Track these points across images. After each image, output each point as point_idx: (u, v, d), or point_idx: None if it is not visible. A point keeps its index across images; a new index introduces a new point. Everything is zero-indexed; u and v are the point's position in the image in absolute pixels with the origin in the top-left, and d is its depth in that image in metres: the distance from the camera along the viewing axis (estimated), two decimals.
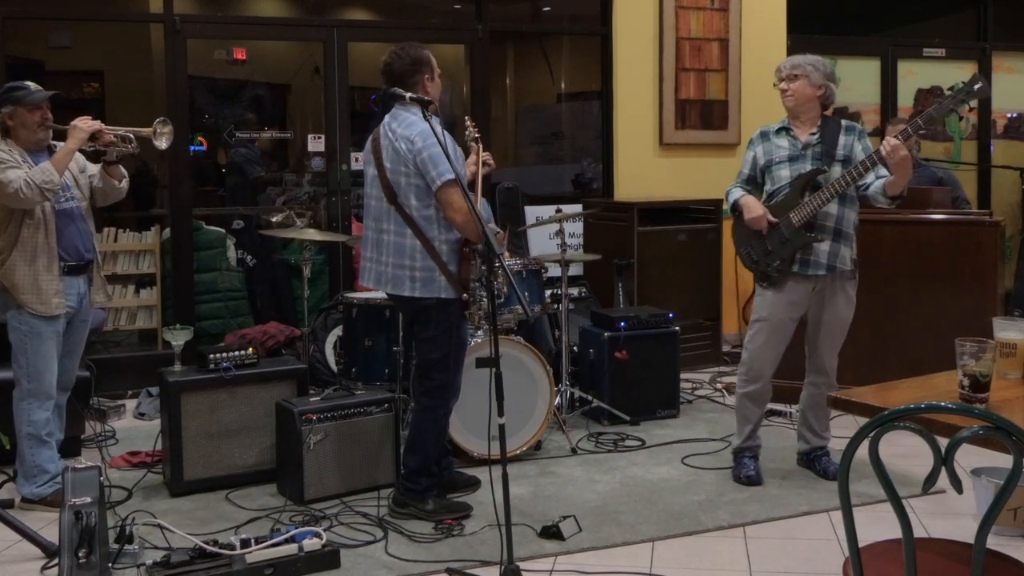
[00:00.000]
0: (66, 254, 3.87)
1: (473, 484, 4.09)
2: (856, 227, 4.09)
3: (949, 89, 3.75)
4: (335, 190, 6.39)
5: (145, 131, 3.97)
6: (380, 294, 4.04)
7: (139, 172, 7.39)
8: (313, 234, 5.15)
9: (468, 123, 3.97)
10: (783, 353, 4.16)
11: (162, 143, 4.01)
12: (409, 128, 3.61)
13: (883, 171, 3.90)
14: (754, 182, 4.22)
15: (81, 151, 3.96)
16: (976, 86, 3.63)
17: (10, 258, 3.76)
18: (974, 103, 3.77)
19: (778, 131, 4.16)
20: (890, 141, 3.69)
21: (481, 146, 3.94)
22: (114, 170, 4.01)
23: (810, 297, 4.09)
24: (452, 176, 3.51)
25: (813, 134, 4.07)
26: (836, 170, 3.98)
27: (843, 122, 4.10)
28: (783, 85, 4.09)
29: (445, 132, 3.61)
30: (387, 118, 3.75)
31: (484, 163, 3.90)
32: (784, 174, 4.08)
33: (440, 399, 3.77)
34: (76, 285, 3.94)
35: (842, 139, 4.03)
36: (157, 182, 7.76)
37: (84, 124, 3.82)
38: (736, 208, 4.17)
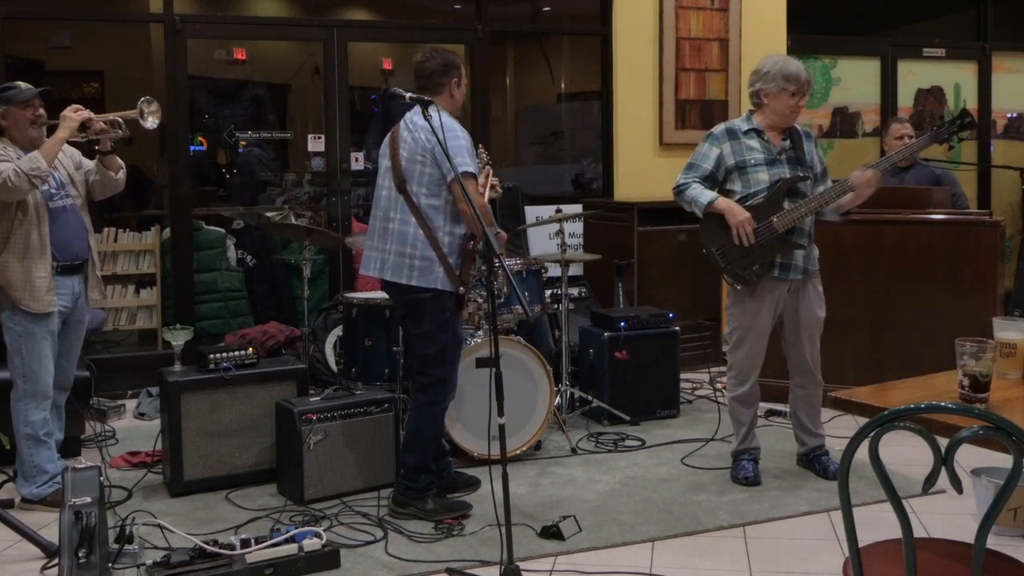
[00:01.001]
0: (59, 254, 3.86)
1: (473, 484, 4.08)
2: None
3: (940, 117, 3.93)
4: (335, 190, 6.38)
5: (132, 113, 3.91)
6: (380, 294, 4.04)
7: (139, 172, 7.39)
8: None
9: (480, 149, 4.03)
10: (773, 353, 4.20)
11: (150, 123, 3.90)
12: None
13: (830, 183, 4.09)
14: (713, 179, 4.08)
15: (76, 144, 3.96)
16: (966, 119, 3.88)
17: (2, 256, 3.76)
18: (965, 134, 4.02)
19: (747, 132, 4.08)
20: (864, 175, 3.88)
21: (490, 169, 4.03)
22: (110, 160, 3.99)
23: (785, 298, 4.10)
24: (469, 169, 3.60)
25: (785, 140, 4.10)
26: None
27: (799, 128, 4.16)
28: (802, 102, 4.03)
29: (463, 129, 3.72)
30: (408, 113, 3.82)
31: (491, 187, 3.98)
32: (763, 177, 4.01)
33: (437, 395, 3.78)
34: (70, 285, 3.93)
35: (806, 145, 4.13)
36: (157, 182, 7.76)
37: (74, 113, 3.81)
38: (708, 209, 4.02)
